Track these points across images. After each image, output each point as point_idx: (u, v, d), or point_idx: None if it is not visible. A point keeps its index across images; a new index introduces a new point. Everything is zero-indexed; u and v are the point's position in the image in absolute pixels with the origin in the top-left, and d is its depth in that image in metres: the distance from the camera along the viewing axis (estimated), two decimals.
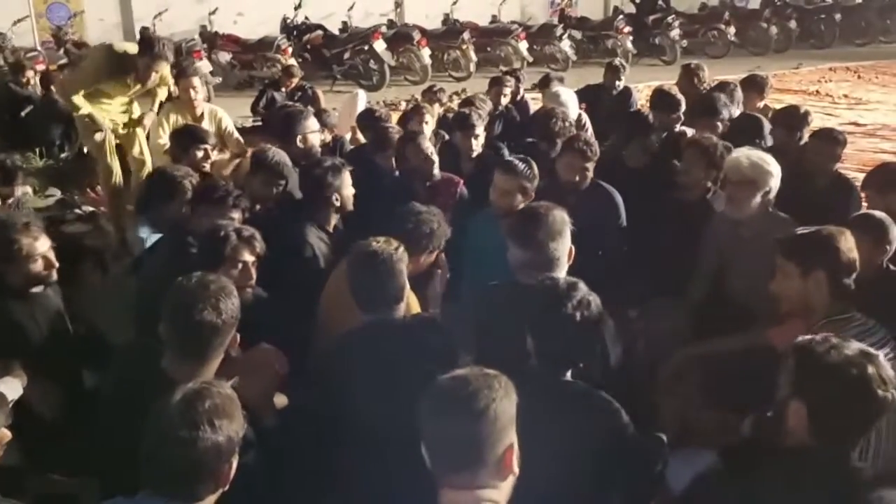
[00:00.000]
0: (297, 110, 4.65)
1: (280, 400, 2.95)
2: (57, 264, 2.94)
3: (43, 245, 2.89)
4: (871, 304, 2.62)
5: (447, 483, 1.63)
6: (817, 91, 11.20)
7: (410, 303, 2.94)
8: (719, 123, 4.73)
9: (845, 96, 11.01)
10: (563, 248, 2.78)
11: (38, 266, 2.88)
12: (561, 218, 2.81)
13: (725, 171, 3.66)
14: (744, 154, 3.56)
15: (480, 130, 4.67)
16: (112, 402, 2.38)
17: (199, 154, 4.30)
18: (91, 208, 5.95)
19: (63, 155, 7.25)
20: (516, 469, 1.66)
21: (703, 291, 3.69)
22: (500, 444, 1.62)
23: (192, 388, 1.74)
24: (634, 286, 3.78)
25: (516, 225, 2.87)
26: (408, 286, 2.76)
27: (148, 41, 5.13)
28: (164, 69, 5.18)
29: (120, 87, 5.17)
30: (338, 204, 3.65)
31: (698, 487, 2.11)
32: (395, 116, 6.35)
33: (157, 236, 3.78)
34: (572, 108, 5.46)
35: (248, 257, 2.91)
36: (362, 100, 7.36)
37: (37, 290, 2.90)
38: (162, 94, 5.47)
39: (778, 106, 5.59)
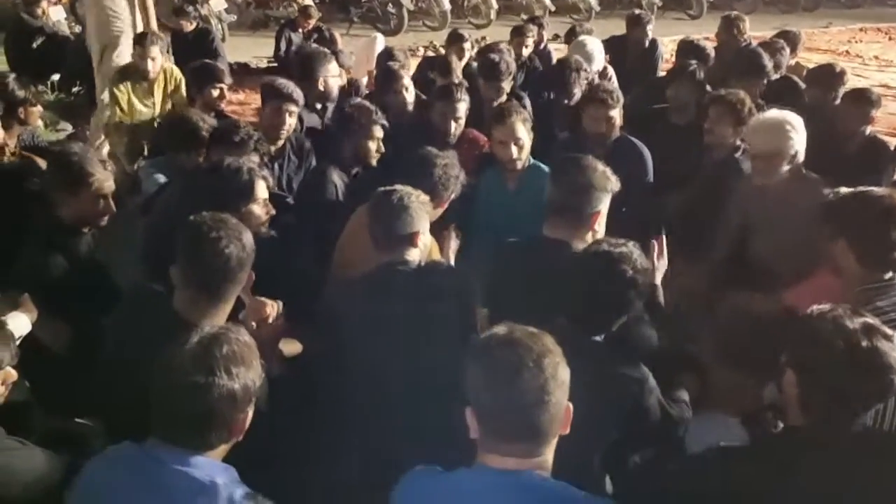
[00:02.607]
0: (318, 52, 4.52)
1: (293, 347, 2.93)
2: (115, 208, 2.90)
3: (111, 185, 2.85)
4: None
5: (496, 450, 1.58)
6: (847, 52, 10.91)
7: (431, 249, 2.89)
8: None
9: (875, 58, 10.73)
10: (603, 207, 2.68)
11: (100, 205, 2.85)
12: (609, 174, 2.72)
13: (747, 142, 3.53)
14: (763, 122, 3.42)
15: (507, 81, 4.50)
16: (120, 345, 2.32)
17: (215, 93, 4.20)
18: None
19: (75, 89, 7.12)
20: (567, 428, 1.62)
21: (726, 251, 3.60)
22: (557, 412, 1.57)
23: (209, 332, 1.67)
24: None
25: (563, 165, 2.75)
26: (428, 233, 2.70)
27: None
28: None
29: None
30: (363, 156, 3.57)
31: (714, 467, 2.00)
32: (413, 63, 6.18)
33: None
34: (598, 58, 5.27)
35: (265, 194, 2.84)
36: (380, 44, 7.19)
37: (85, 228, 2.87)
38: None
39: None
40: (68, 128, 6.23)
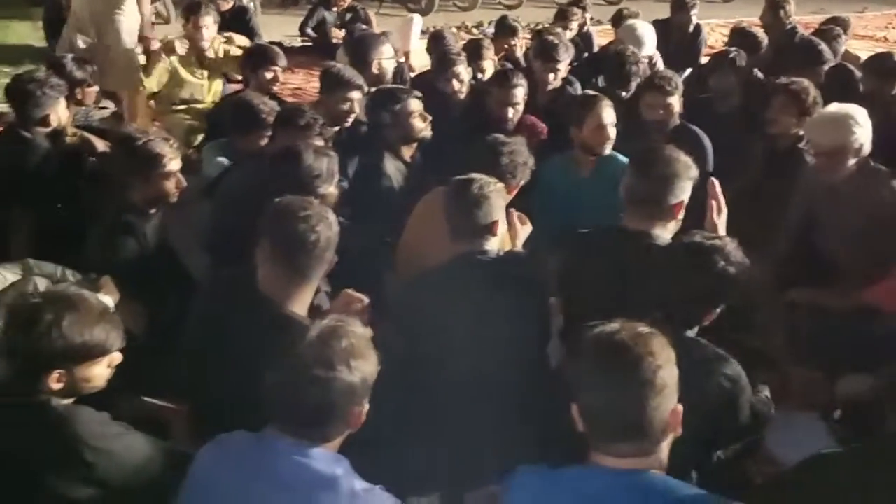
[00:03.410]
0: (373, 35, 4.52)
1: None
2: (184, 184, 2.92)
3: (179, 163, 2.86)
4: None
5: (604, 450, 1.56)
6: (885, 38, 10.70)
7: (504, 238, 2.88)
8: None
9: None
10: (685, 196, 2.65)
11: (170, 185, 2.86)
12: (690, 163, 2.69)
13: (810, 141, 3.48)
14: (825, 118, 3.37)
15: (563, 63, 4.46)
16: (206, 329, 2.34)
17: (269, 76, 4.18)
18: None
19: None
20: (679, 430, 1.60)
21: (790, 243, 3.57)
22: (666, 410, 1.55)
23: (328, 326, 1.67)
24: None
25: (646, 155, 2.73)
26: (505, 224, 2.70)
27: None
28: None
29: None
30: (409, 131, 3.55)
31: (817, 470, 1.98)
32: None
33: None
34: (649, 43, 5.21)
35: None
36: (417, 24, 7.13)
37: (154, 209, 2.88)
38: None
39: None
40: (110, 105, 6.21)
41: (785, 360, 2.97)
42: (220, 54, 5.13)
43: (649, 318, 2.04)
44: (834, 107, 3.41)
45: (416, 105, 3.64)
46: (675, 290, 2.19)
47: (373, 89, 4.30)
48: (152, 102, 5.52)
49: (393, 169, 3.56)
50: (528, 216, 3.25)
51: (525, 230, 3.06)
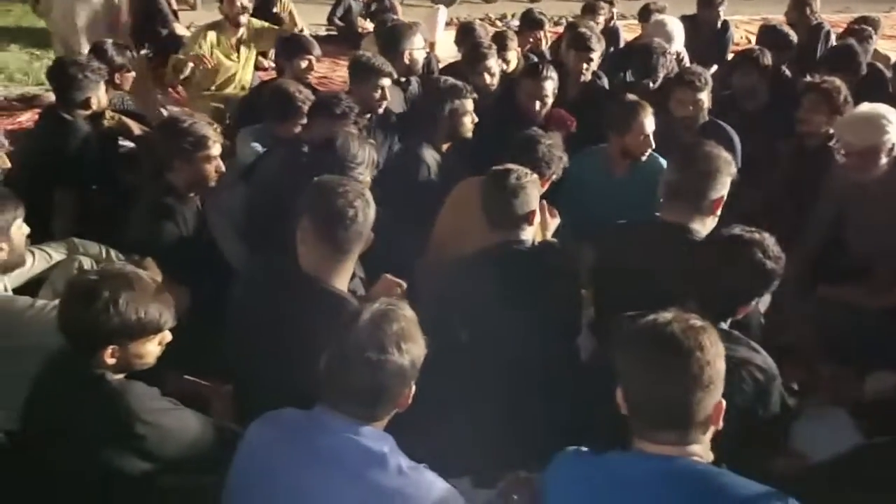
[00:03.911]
0: (404, 24, 4.53)
1: None
2: (223, 169, 2.98)
3: (219, 148, 2.93)
4: None
5: (647, 437, 1.59)
6: None
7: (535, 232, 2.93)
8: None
9: None
10: (718, 193, 2.67)
11: (210, 168, 2.92)
12: (730, 159, 2.73)
13: (840, 139, 3.49)
14: (857, 118, 3.37)
15: (597, 54, 4.48)
16: (252, 308, 2.39)
17: (304, 64, 4.23)
18: (176, 108, 5.91)
19: (143, 52, 7.16)
20: (720, 424, 1.62)
21: (818, 240, 3.59)
22: (710, 404, 1.57)
23: (380, 309, 1.71)
24: None
25: (688, 151, 2.75)
26: (538, 213, 2.74)
27: None
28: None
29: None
30: (458, 129, 3.60)
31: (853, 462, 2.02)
32: None
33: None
34: (678, 39, 5.22)
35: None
36: (443, 15, 7.17)
37: (192, 193, 2.93)
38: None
39: None
40: None
41: (814, 356, 3.00)
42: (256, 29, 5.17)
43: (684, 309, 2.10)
44: (866, 106, 3.42)
45: (470, 105, 3.68)
46: (712, 282, 2.21)
47: (413, 78, 4.35)
48: (180, 88, 5.59)
49: (431, 159, 3.60)
50: (556, 209, 3.30)
51: (554, 222, 3.10)
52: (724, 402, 1.61)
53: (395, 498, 1.62)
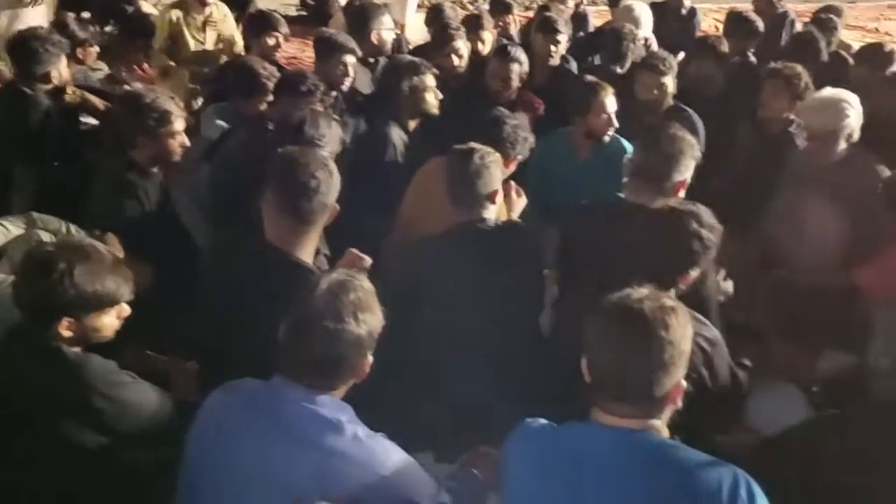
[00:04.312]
0: (372, 4, 4.50)
1: None
2: (188, 144, 2.96)
3: (183, 123, 2.91)
4: None
5: (604, 408, 1.61)
6: (876, 29, 10.79)
7: (500, 208, 2.95)
8: None
9: None
10: (682, 175, 2.71)
11: (174, 143, 2.91)
12: (695, 143, 2.77)
13: (802, 123, 3.55)
14: (819, 101, 3.44)
15: (564, 38, 4.50)
16: (218, 283, 2.38)
17: (272, 42, 4.20)
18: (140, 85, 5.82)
19: (108, 28, 7.03)
20: (679, 403, 1.64)
21: (778, 224, 3.65)
22: (671, 382, 1.58)
23: (337, 279, 1.72)
24: None
25: (653, 133, 2.78)
26: (501, 192, 2.76)
27: None
28: None
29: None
30: (421, 105, 3.58)
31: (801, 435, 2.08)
32: None
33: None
34: (646, 24, 5.25)
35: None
36: None
37: (155, 168, 2.90)
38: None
39: None
40: (104, 68, 6.16)
41: (769, 335, 3.06)
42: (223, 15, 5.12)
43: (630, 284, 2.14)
44: (827, 91, 3.48)
45: (432, 81, 3.68)
46: (652, 254, 2.25)
47: (382, 59, 4.33)
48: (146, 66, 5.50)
49: (397, 138, 3.60)
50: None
51: (521, 202, 3.12)
52: (684, 383, 1.63)
53: (351, 464, 1.64)
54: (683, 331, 1.59)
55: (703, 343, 2.21)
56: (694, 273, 2.36)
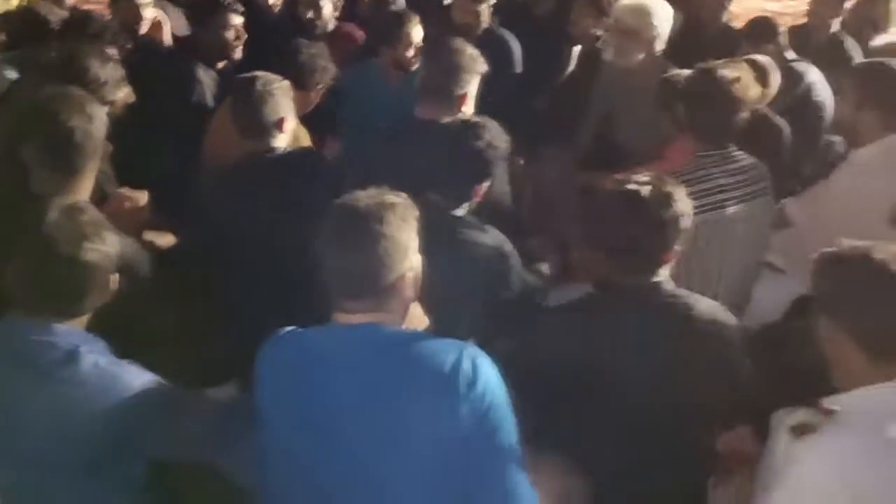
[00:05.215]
0: None
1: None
2: None
3: None
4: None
5: (342, 308, 1.62)
6: None
7: (300, 137, 2.92)
8: None
9: None
10: (471, 89, 2.74)
11: None
12: (476, 57, 2.77)
13: (614, 20, 3.66)
14: (633, 2, 3.55)
15: None
16: None
17: None
18: None
19: None
20: (411, 294, 1.67)
21: (590, 138, 3.78)
22: (392, 274, 1.60)
23: (68, 204, 1.67)
24: (524, 133, 3.84)
25: (433, 47, 2.79)
26: (294, 120, 2.74)
27: None
28: None
29: None
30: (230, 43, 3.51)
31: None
32: None
33: None
34: None
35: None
36: None
37: None
38: None
39: None
40: None
41: (574, 243, 3.18)
42: None
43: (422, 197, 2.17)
44: None
45: (235, 20, 3.55)
46: (443, 167, 2.30)
47: None
48: None
49: (208, 79, 3.50)
50: (333, 119, 3.30)
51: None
52: (410, 274, 1.65)
53: (88, 392, 1.61)
54: (400, 224, 1.61)
55: (487, 252, 2.31)
56: (486, 184, 2.43)
